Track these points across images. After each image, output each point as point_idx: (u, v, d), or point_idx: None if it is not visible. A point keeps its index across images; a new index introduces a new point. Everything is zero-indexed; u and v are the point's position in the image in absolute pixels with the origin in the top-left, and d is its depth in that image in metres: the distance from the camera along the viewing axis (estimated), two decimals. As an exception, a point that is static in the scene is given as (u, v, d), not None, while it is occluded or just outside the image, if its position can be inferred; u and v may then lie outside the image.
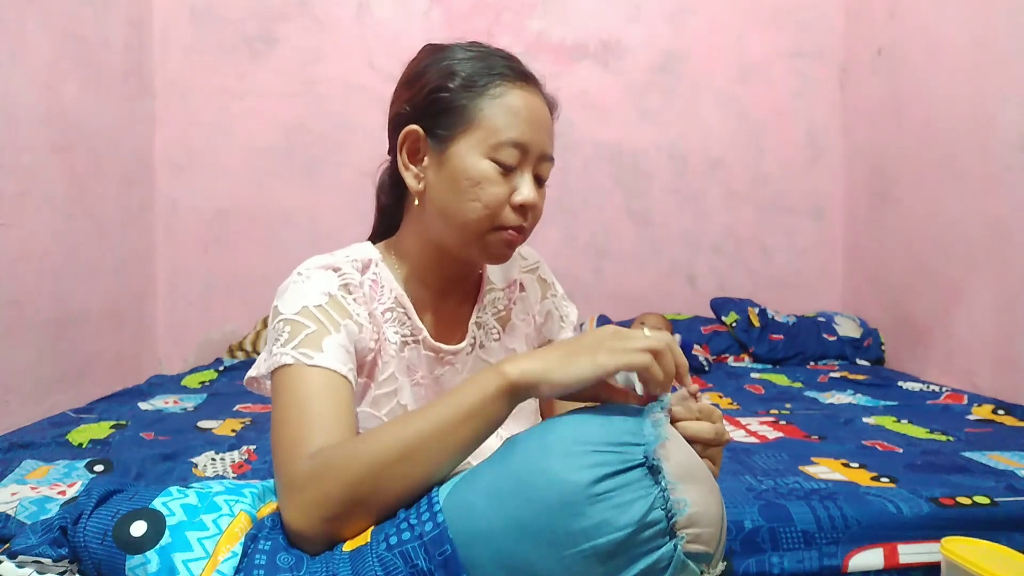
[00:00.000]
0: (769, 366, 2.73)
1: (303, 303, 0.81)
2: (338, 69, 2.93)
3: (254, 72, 2.92)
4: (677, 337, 2.63)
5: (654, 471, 0.62)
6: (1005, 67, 2.10)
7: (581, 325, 2.57)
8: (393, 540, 0.65)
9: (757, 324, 2.85)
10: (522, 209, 0.86)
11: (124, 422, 1.78)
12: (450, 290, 0.95)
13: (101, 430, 1.68)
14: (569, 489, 0.60)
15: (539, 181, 0.88)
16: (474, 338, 0.97)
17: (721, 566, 0.65)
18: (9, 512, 1.12)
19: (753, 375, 2.54)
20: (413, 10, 2.97)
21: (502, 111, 0.84)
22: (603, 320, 2.85)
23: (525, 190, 0.85)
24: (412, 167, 0.88)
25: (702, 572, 0.62)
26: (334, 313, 0.82)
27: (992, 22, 2.15)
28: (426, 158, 0.87)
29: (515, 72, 0.87)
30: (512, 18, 3.00)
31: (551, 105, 0.91)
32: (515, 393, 0.71)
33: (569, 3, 3.02)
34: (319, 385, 0.76)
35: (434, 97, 0.86)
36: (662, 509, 0.60)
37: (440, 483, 0.71)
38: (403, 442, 0.69)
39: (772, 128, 3.10)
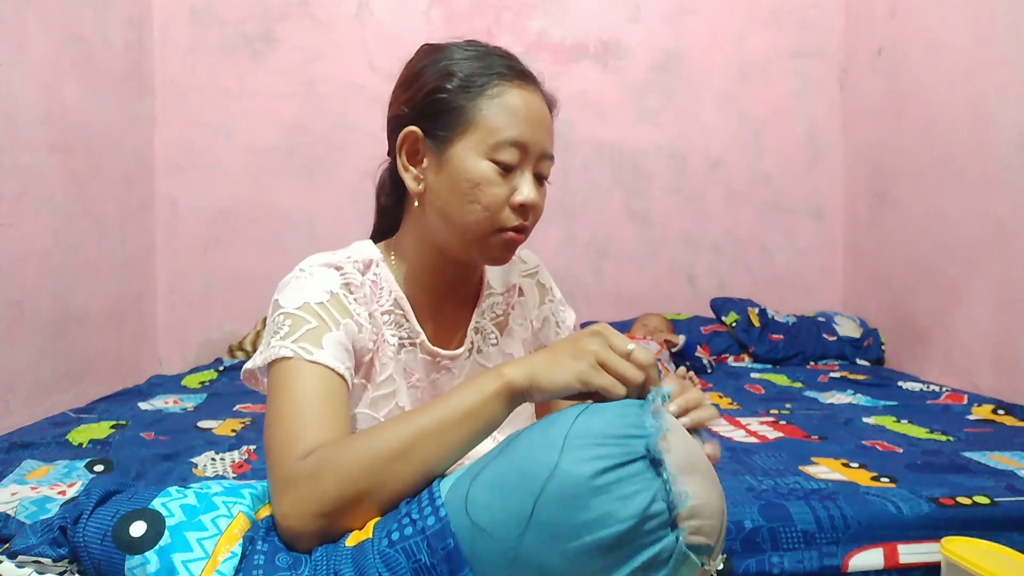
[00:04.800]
0: (769, 366, 2.74)
1: (305, 298, 0.81)
2: (338, 69, 2.93)
3: (254, 72, 2.92)
4: (682, 339, 2.61)
5: (656, 463, 0.62)
6: (1005, 67, 2.09)
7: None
8: (395, 536, 0.65)
9: (757, 324, 2.85)
10: (522, 209, 0.85)
11: (124, 422, 1.78)
12: (449, 293, 0.95)
13: (101, 430, 1.68)
14: (572, 482, 0.60)
15: (539, 179, 0.88)
16: (471, 343, 0.96)
17: (721, 559, 0.65)
18: (9, 512, 1.12)
19: (753, 375, 2.54)
20: (413, 10, 2.97)
21: (500, 110, 0.83)
22: None
23: (526, 190, 0.85)
24: (412, 168, 0.88)
25: (703, 564, 0.62)
26: (335, 311, 0.81)
27: (992, 22, 2.15)
28: (425, 159, 0.87)
29: (513, 71, 0.86)
30: (512, 18, 3.00)
31: (550, 103, 0.90)
32: (513, 396, 0.71)
33: (569, 3, 3.02)
34: (316, 382, 0.76)
35: (432, 98, 0.85)
36: (664, 501, 0.60)
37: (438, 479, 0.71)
38: (401, 440, 0.69)
39: (772, 128, 3.10)
